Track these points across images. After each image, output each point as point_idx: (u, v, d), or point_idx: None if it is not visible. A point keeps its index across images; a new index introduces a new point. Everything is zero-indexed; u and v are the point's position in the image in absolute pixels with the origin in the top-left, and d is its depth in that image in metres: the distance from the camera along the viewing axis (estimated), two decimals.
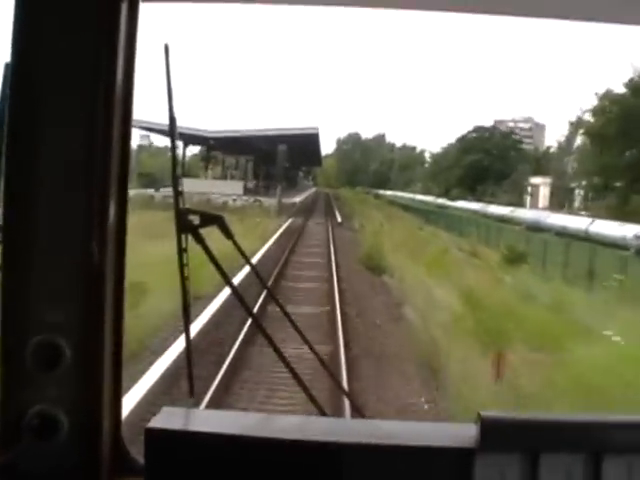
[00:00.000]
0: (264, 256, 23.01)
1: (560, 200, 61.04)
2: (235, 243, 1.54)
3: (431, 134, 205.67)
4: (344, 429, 1.56)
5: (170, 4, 1.51)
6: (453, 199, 73.20)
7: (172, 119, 1.46)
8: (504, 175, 72.12)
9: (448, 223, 48.22)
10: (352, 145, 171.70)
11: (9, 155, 1.18)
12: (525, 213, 52.15)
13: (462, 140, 77.20)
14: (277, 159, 43.55)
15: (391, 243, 29.27)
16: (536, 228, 44.20)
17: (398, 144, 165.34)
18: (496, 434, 1.36)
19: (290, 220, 38.55)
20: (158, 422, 1.43)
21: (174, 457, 1.37)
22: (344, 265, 23.08)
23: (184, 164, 48.02)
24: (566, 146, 59.14)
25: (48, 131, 1.16)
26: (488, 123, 78.65)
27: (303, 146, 50.48)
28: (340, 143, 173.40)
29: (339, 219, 43.81)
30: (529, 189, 72.14)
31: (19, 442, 1.25)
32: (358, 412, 2.54)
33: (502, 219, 52.80)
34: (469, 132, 76.97)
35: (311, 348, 1.73)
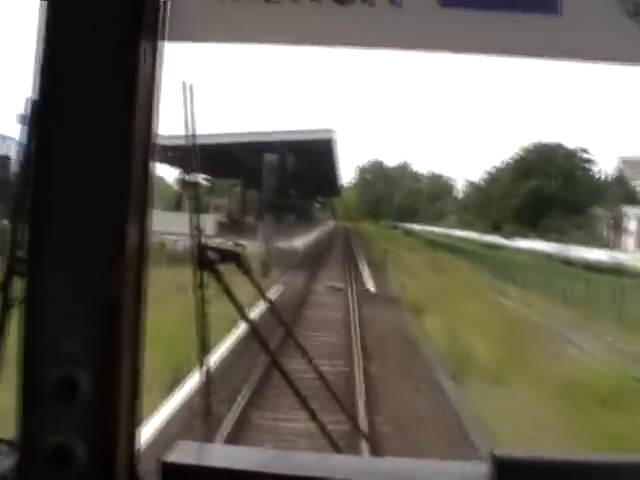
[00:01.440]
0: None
1: None
2: (254, 281, 1.58)
3: (463, 161, 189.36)
4: (358, 467, 1.58)
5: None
6: (508, 236, 56.46)
7: (195, 155, 1.56)
8: (573, 205, 55.32)
9: (537, 280, 31.44)
10: (374, 174, 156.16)
11: (34, 190, 1.23)
12: None
13: (520, 161, 60.29)
14: (263, 176, 27.11)
15: (492, 356, 12.74)
16: None
17: (424, 172, 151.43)
18: (509, 473, 1.34)
19: (279, 287, 20.92)
20: (173, 456, 1.45)
21: None
22: None
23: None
24: None
25: (69, 165, 1.22)
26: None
27: (313, 160, 34.13)
28: (361, 172, 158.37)
29: (368, 283, 25.49)
30: (605, 222, 55.30)
31: (35, 472, 1.27)
32: (375, 450, 2.58)
33: (599, 268, 36.22)
34: (528, 151, 60.24)
35: (325, 382, 1.79)
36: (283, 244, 29.82)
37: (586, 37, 1.35)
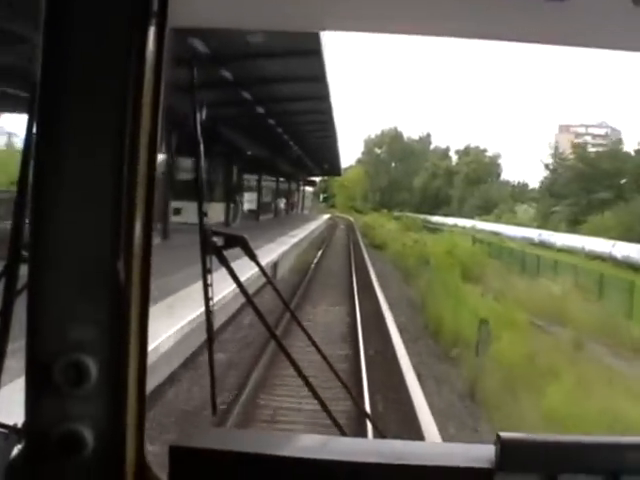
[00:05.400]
0: None
1: None
2: (258, 264, 1.63)
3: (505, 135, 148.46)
4: (363, 449, 1.60)
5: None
6: None
7: (197, 141, 1.57)
8: None
9: None
10: (388, 148, 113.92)
11: (36, 176, 1.25)
12: None
13: None
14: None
15: None
16: None
17: (455, 146, 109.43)
18: (515, 455, 1.38)
19: None
20: (182, 441, 1.49)
21: (198, 476, 1.44)
22: None
23: None
24: None
25: (73, 150, 1.24)
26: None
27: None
28: (370, 145, 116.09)
29: None
30: None
31: (44, 459, 1.29)
32: (378, 433, 2.20)
33: None
34: None
35: (328, 364, 1.80)
36: None
37: (591, 24, 1.35)
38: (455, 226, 60.81)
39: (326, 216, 63.10)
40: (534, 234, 43.98)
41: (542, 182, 58.06)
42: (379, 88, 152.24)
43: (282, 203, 33.53)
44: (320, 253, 26.91)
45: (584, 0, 1.32)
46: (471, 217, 68.85)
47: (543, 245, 40.11)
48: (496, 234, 48.00)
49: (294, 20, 1.42)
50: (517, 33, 1.40)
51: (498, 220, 61.01)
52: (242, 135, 26.60)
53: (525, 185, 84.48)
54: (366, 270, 22.97)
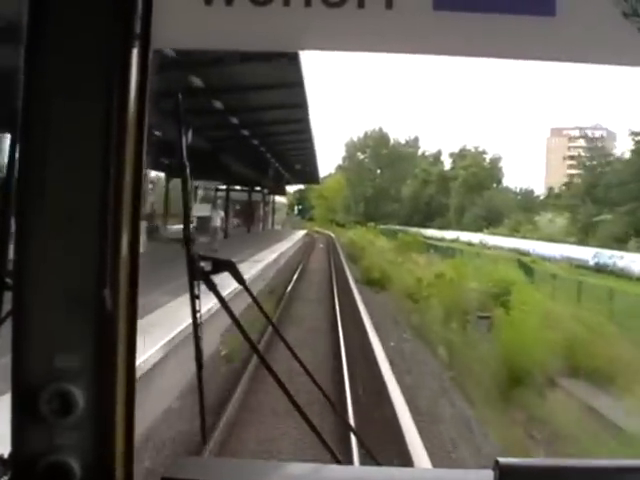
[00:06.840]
0: None
1: None
2: (247, 289, 1.60)
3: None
4: (359, 477, 1.59)
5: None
6: None
7: (183, 165, 1.55)
8: None
9: None
10: (372, 152, 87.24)
11: (20, 200, 1.23)
12: None
13: None
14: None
15: None
16: None
17: (447, 149, 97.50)
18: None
19: None
20: (174, 472, 1.46)
21: None
22: None
23: None
24: None
25: (58, 174, 1.22)
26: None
27: None
28: (352, 149, 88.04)
29: None
30: None
31: None
32: (372, 459, 2.05)
33: None
34: None
35: (321, 389, 1.76)
36: None
37: (581, 39, 1.35)
38: (457, 241, 49.24)
39: (301, 232, 50.93)
40: (587, 254, 31.95)
41: (576, 185, 45.97)
42: (361, 83, 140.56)
43: (219, 218, 20.92)
44: (278, 315, 14.27)
45: (575, 15, 1.31)
46: (475, 230, 56.93)
47: (604, 270, 28.29)
48: (523, 253, 36.10)
49: (274, 41, 1.40)
50: (507, 50, 1.38)
51: (514, 233, 49.17)
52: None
53: (530, 191, 73.22)
54: (372, 359, 10.74)
